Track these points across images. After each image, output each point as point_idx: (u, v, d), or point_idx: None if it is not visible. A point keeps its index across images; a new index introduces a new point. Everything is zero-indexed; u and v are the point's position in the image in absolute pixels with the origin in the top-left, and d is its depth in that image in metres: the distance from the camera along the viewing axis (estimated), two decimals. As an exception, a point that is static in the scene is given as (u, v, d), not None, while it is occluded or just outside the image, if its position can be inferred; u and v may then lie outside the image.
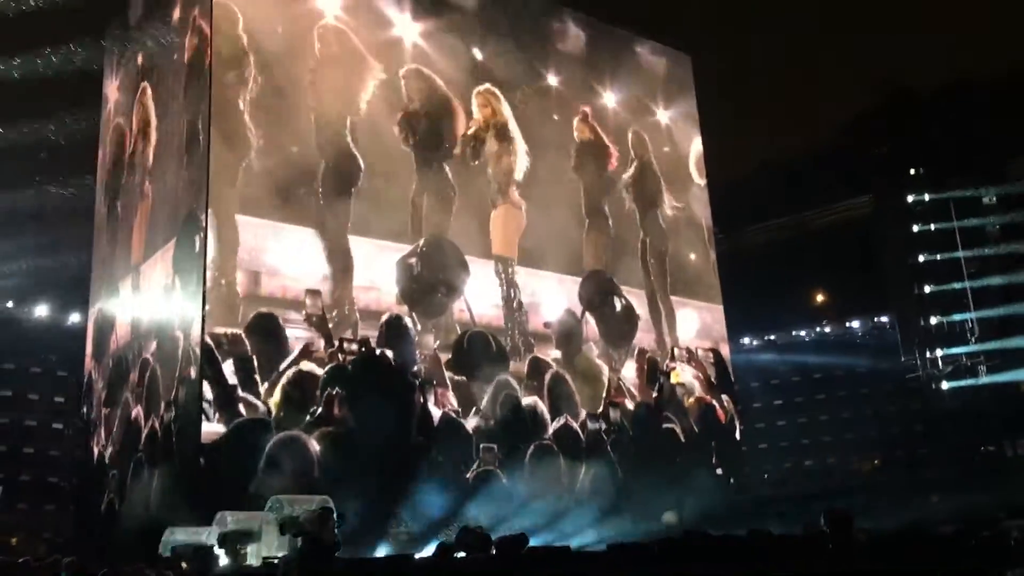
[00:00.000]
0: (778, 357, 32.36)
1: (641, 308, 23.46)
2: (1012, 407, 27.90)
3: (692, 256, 25.74)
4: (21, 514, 24.68)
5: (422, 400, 18.05)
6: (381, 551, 15.23)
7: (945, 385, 29.39)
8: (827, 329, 32.60)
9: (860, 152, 33.27)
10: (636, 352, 22.84)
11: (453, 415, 18.48)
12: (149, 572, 10.13)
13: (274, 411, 16.05)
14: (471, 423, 18.70)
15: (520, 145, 21.77)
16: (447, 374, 18.71)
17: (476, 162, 20.96)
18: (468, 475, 18.28)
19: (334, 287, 17.55)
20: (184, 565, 11.34)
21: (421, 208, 19.48)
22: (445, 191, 19.99)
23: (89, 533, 19.70)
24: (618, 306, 22.96)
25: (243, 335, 16.14)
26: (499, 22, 22.39)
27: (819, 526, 10.92)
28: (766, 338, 33.01)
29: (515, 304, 20.57)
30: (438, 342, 18.85)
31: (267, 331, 16.44)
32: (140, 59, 21.78)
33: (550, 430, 20.10)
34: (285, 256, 17.13)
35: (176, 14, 19.65)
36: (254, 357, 16.12)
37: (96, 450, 20.58)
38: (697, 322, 25.00)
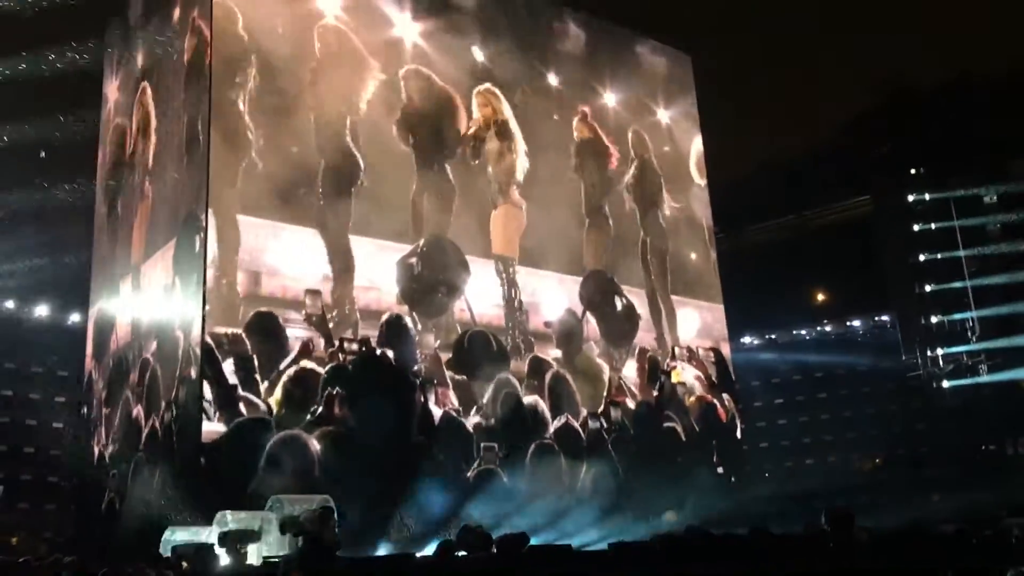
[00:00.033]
0: (779, 356, 32.38)
1: (642, 307, 23.45)
2: (1013, 406, 27.92)
3: (693, 255, 25.73)
4: (22, 514, 24.66)
5: (423, 399, 18.05)
6: (382, 550, 15.23)
7: (946, 384, 29.38)
8: (828, 328, 32.59)
9: (860, 152, 33.27)
10: (637, 351, 22.83)
11: (454, 414, 18.48)
12: (150, 571, 10.14)
13: (275, 408, 16.04)
14: (471, 422, 18.70)
15: (520, 145, 21.77)
16: (448, 373, 18.70)
17: (476, 162, 20.96)
18: (469, 474, 18.28)
19: (335, 287, 17.55)
20: (185, 564, 11.33)
21: (422, 208, 19.47)
22: (445, 191, 19.98)
23: (90, 533, 19.70)
24: (619, 306, 22.95)
25: (243, 335, 16.13)
26: (499, 22, 22.37)
27: (820, 525, 10.93)
28: (767, 337, 33.01)
29: (516, 304, 20.57)
30: (439, 341, 18.84)
31: (267, 331, 16.43)
32: (140, 59, 21.77)
33: (551, 429, 20.10)
34: (285, 256, 17.11)
35: (176, 14, 19.64)
36: (254, 356, 16.11)
37: (96, 450, 20.58)
38: (698, 321, 24.99)
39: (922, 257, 29.89)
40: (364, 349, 17.48)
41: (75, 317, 25.92)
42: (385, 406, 17.06)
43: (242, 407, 15.74)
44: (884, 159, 31.99)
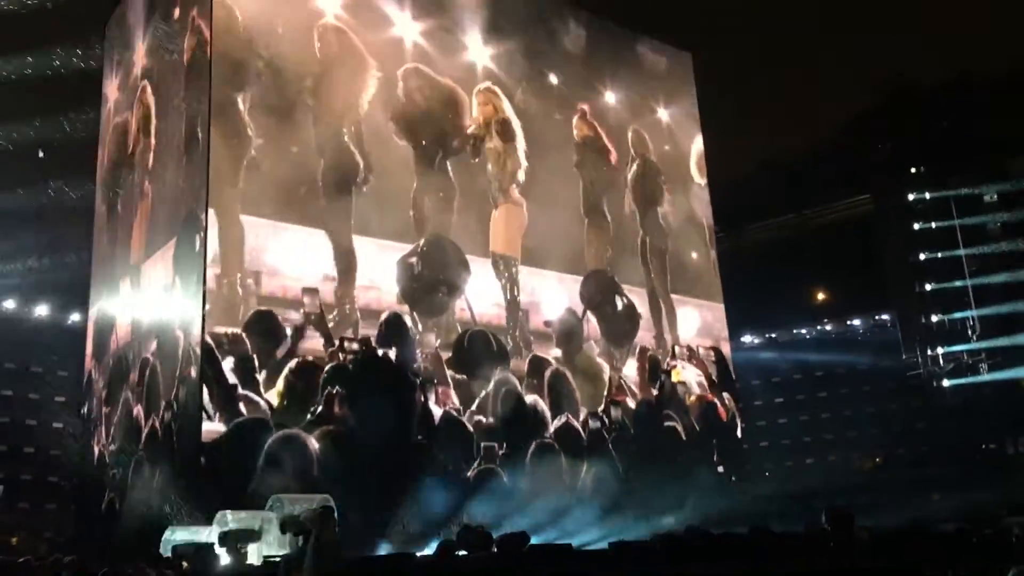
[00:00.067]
0: (779, 355, 32.38)
1: (642, 307, 23.44)
2: (1013, 404, 27.93)
3: (693, 254, 25.72)
4: (22, 513, 24.68)
5: (423, 399, 18.04)
6: (382, 550, 15.22)
7: (946, 383, 29.36)
8: (828, 327, 32.60)
9: (860, 151, 33.23)
10: (637, 351, 22.82)
11: (454, 413, 18.46)
12: (150, 571, 10.13)
13: (276, 402, 16.01)
14: (471, 421, 18.68)
15: (521, 144, 21.76)
16: (448, 372, 18.70)
17: (476, 161, 20.95)
18: (469, 473, 18.27)
19: (336, 286, 17.54)
20: (185, 564, 11.33)
21: (422, 207, 19.46)
22: (446, 190, 19.97)
23: (90, 532, 19.69)
24: (619, 305, 22.94)
25: (243, 334, 16.12)
26: (500, 21, 22.36)
27: (821, 524, 10.92)
28: (767, 336, 33.00)
29: (516, 303, 20.56)
30: (439, 341, 18.83)
31: (267, 329, 16.41)
32: (140, 58, 21.75)
33: (551, 428, 20.09)
34: (286, 255, 17.10)
35: (176, 13, 19.63)
36: (254, 356, 16.10)
37: (96, 449, 20.58)
38: (698, 320, 24.99)
39: (922, 256, 29.86)
40: (364, 349, 17.47)
41: (75, 317, 25.91)
42: (385, 405, 17.04)
43: (242, 407, 15.73)
44: (884, 158, 31.96)
